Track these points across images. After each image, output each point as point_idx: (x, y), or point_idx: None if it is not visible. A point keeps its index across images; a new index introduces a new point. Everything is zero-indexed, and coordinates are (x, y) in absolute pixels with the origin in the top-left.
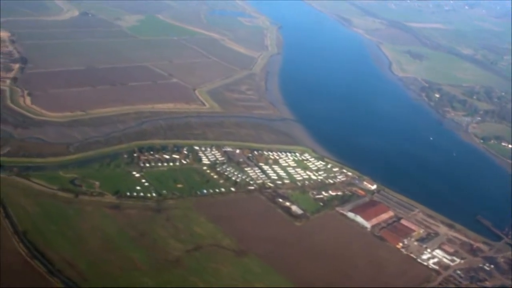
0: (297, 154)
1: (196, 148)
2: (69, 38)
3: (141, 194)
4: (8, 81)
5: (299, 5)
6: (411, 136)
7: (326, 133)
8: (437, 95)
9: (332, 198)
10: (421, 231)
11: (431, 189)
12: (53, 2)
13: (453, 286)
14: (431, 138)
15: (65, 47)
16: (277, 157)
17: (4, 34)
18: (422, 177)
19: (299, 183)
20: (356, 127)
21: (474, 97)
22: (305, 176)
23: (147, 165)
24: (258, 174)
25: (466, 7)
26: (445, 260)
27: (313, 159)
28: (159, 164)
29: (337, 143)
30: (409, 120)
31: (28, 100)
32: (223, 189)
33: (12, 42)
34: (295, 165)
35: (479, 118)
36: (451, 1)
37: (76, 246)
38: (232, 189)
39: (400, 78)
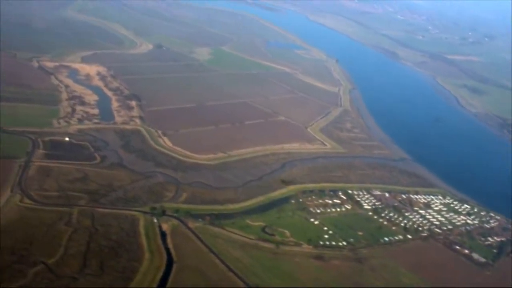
0: (440, 197)
1: (349, 192)
2: (161, 73)
3: (333, 243)
4: (137, 121)
5: (335, 35)
6: None
7: (449, 173)
8: None
9: (500, 244)
10: None
11: None
12: (122, 34)
13: None
14: None
15: (164, 82)
16: (425, 201)
17: (101, 69)
18: None
19: (462, 229)
20: (470, 165)
21: None
22: (462, 221)
23: (318, 211)
24: (420, 219)
25: (486, 39)
26: None
27: (456, 202)
28: (328, 210)
29: (464, 184)
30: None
31: (167, 140)
32: (400, 237)
33: (113, 77)
34: (445, 209)
35: None
36: (470, 33)
37: None
38: (409, 236)
39: (474, 114)
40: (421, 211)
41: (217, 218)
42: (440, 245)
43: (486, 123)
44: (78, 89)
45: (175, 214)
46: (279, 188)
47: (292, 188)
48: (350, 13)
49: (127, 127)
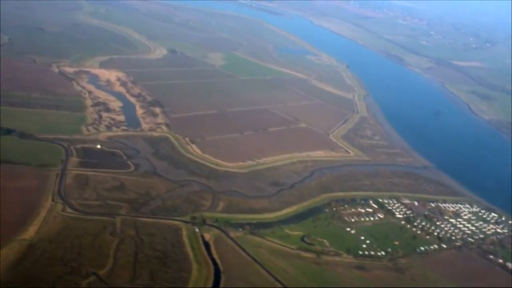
0: (468, 205)
1: (380, 200)
2: (179, 78)
3: (372, 252)
4: (164, 128)
5: (340, 39)
6: None
7: (472, 181)
8: None
9: None
10: None
11: None
12: (135, 38)
13: None
14: None
15: (183, 88)
16: (454, 210)
17: (121, 75)
18: None
19: (493, 238)
20: (492, 172)
21: None
22: (492, 230)
23: (352, 220)
24: (451, 228)
25: (488, 45)
26: None
27: (484, 210)
28: (362, 219)
29: (488, 192)
30: None
31: (195, 148)
32: (435, 246)
33: (133, 83)
34: (474, 218)
35: None
36: (471, 38)
37: None
38: (444, 245)
39: (487, 121)
40: (451, 220)
41: (256, 227)
42: (474, 254)
43: (500, 130)
44: (101, 95)
45: (215, 224)
46: (310, 197)
47: (323, 196)
48: (352, 17)
49: (155, 134)
